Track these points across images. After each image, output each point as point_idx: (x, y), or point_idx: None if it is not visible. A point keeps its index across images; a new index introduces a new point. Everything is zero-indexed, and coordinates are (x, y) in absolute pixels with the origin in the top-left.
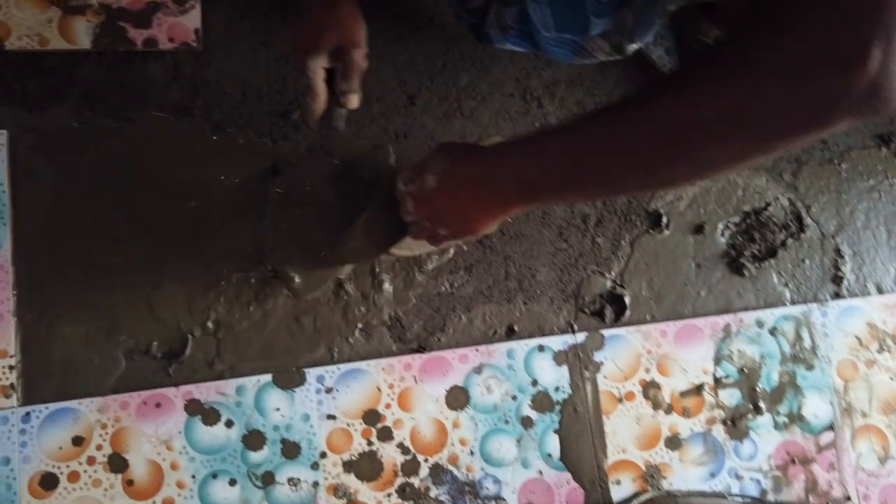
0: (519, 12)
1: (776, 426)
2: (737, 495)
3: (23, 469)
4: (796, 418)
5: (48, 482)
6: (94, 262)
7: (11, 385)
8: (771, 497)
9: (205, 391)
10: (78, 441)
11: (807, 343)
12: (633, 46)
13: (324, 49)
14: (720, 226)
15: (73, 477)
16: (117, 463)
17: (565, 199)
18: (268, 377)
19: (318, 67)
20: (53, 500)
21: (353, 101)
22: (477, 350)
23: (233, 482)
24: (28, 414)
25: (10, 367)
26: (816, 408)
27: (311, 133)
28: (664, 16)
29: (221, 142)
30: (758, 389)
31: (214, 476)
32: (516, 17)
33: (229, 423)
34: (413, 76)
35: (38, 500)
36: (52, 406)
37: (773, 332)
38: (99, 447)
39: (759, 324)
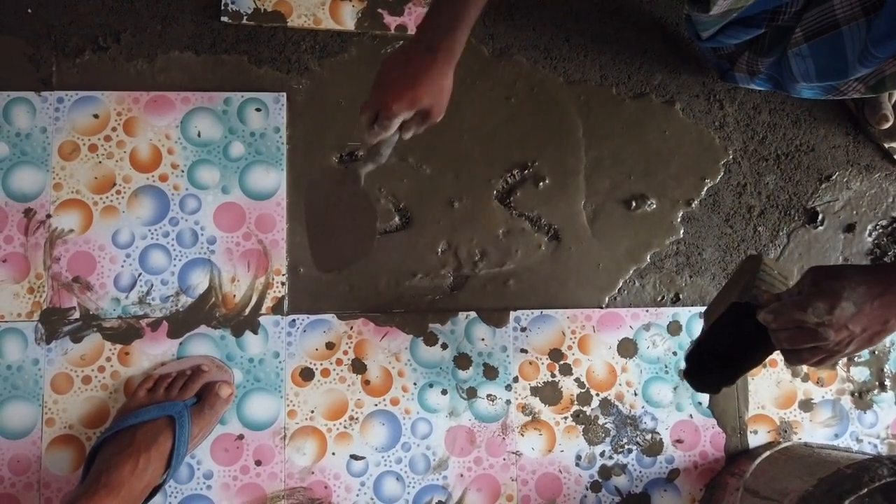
0: (775, 61)
1: None
2: (859, 452)
3: (288, 362)
4: None
5: (306, 375)
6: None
7: (283, 297)
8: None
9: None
10: (330, 346)
11: None
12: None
13: (418, 107)
14: (869, 227)
15: (325, 373)
16: (358, 366)
17: None
18: (474, 314)
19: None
20: (309, 389)
21: (408, 135)
22: (647, 311)
23: (444, 392)
24: (294, 321)
25: (283, 284)
26: None
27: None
28: None
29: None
30: (885, 370)
31: (431, 385)
32: (771, 65)
33: (444, 346)
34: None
35: (298, 388)
36: (312, 317)
37: None
38: (345, 352)
39: None
